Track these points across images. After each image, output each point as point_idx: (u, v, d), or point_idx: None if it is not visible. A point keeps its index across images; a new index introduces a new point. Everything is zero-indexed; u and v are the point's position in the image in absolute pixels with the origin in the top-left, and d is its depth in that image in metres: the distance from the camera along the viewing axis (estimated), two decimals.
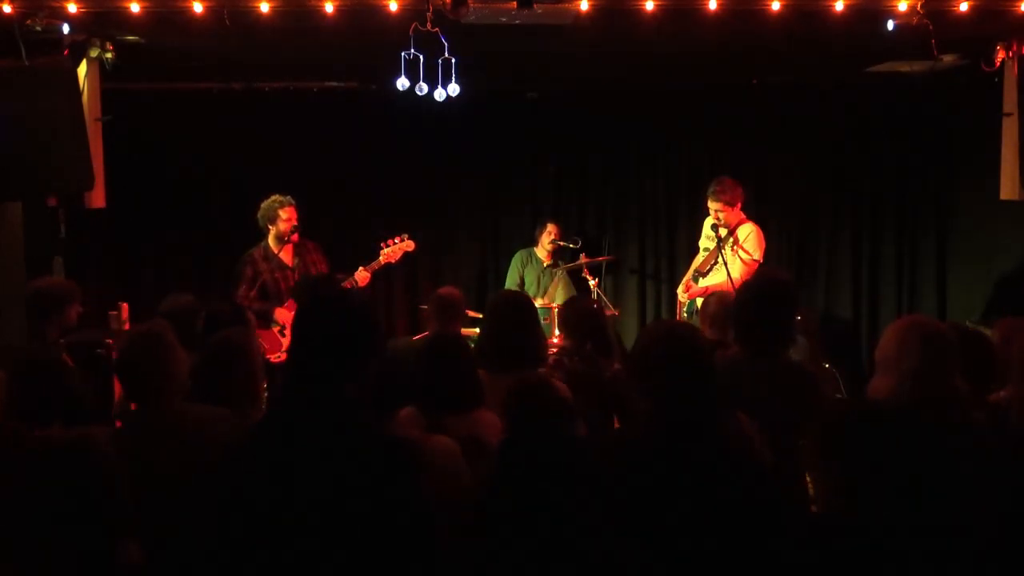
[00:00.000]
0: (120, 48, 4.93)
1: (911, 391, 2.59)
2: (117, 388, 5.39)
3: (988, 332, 3.77)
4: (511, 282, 6.83)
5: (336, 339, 1.99)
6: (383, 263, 5.94)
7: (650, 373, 2.32)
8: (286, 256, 5.80)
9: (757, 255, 5.41)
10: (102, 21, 4.55)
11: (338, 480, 1.90)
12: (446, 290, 4.41)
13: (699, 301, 5.63)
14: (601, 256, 6.72)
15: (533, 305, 3.48)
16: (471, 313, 6.67)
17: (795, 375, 3.06)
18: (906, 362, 2.66)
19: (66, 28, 4.45)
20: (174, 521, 2.35)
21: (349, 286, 5.81)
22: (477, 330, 6.46)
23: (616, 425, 3.64)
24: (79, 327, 6.26)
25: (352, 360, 2.01)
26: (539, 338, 3.36)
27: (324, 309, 2.07)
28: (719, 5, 4.30)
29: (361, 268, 5.85)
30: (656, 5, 4.31)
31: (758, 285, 3.24)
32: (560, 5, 4.29)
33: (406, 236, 6.02)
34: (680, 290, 5.80)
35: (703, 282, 5.67)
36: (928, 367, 2.62)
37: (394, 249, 5.95)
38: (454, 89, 4.51)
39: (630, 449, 2.32)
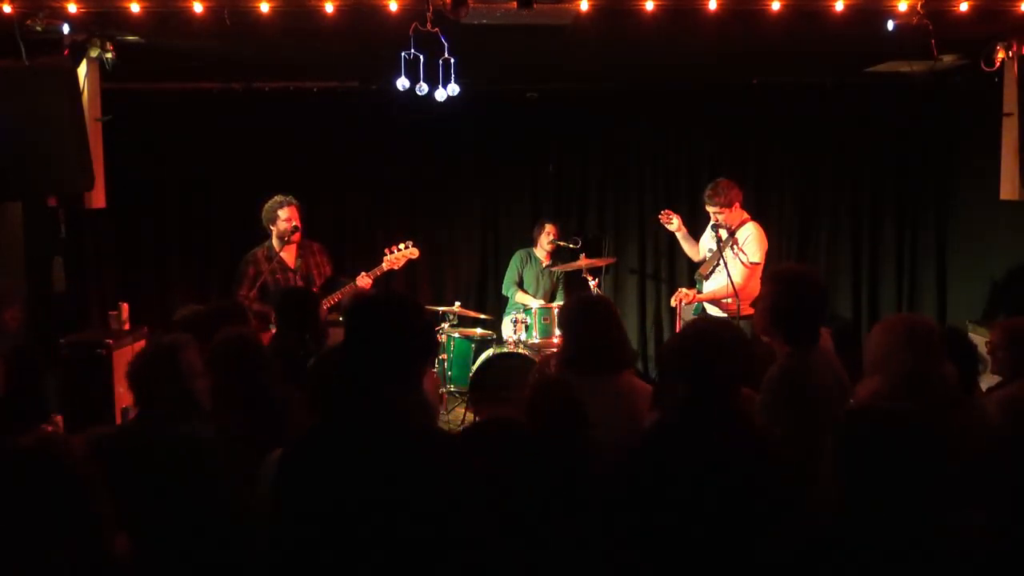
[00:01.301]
0: (120, 48, 4.93)
1: (893, 392, 2.61)
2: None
3: (988, 333, 3.78)
4: (509, 281, 6.84)
5: (395, 344, 2.02)
6: (386, 269, 5.90)
7: (690, 364, 2.38)
8: (288, 257, 5.79)
9: (756, 258, 5.38)
10: (102, 21, 4.55)
11: (396, 482, 1.93)
12: None
13: (707, 305, 5.62)
14: (601, 258, 6.71)
15: (615, 309, 3.40)
16: (471, 313, 6.70)
17: (839, 369, 3.09)
18: (892, 363, 2.69)
19: (66, 28, 4.45)
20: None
21: (350, 290, 5.81)
22: (479, 330, 6.54)
23: None
24: (83, 327, 6.28)
25: (408, 365, 2.04)
26: (625, 341, 3.32)
27: (382, 314, 2.08)
28: (719, 5, 4.30)
29: (363, 273, 5.83)
30: (656, 5, 4.30)
31: (795, 280, 3.19)
32: (560, 5, 4.28)
33: (411, 243, 5.95)
34: (673, 300, 5.74)
35: (706, 285, 5.64)
36: (912, 367, 2.65)
37: (397, 256, 5.91)
38: (454, 89, 4.50)
39: (666, 439, 2.35)
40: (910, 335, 2.76)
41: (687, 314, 5.82)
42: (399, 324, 2.04)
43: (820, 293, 3.16)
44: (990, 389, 3.71)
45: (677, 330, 6.11)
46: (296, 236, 5.72)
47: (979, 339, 5.49)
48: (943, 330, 3.22)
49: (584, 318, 3.20)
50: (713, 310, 5.53)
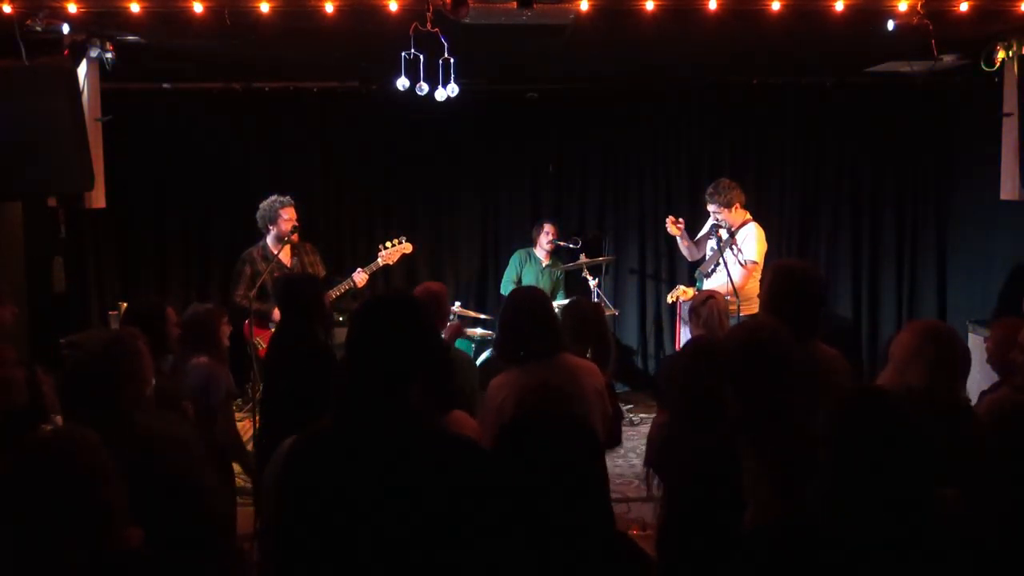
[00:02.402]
0: (120, 48, 4.93)
1: (914, 393, 2.62)
2: None
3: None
4: (508, 281, 6.84)
5: (404, 343, 2.01)
6: (381, 265, 5.94)
7: (747, 380, 2.38)
8: (284, 256, 5.80)
9: (753, 257, 5.39)
10: (102, 21, 4.55)
11: (413, 482, 1.93)
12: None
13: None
14: (601, 256, 6.72)
15: (546, 299, 3.43)
16: (471, 313, 6.70)
17: (837, 361, 3.09)
18: (915, 366, 2.69)
19: (66, 28, 4.45)
20: None
21: (348, 288, 5.82)
22: (478, 330, 6.54)
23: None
24: (83, 327, 6.28)
25: (417, 363, 2.03)
26: (556, 332, 3.31)
27: (387, 314, 2.07)
28: (719, 5, 4.30)
29: (359, 270, 5.85)
30: (656, 5, 4.30)
31: (789, 273, 3.22)
32: (560, 5, 4.28)
33: (404, 238, 6.02)
34: (671, 296, 5.75)
35: (706, 283, 5.66)
36: (935, 376, 2.66)
37: (392, 252, 5.95)
38: (454, 89, 4.50)
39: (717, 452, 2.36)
40: (935, 345, 2.77)
41: (686, 312, 5.82)
42: (404, 323, 2.04)
43: (819, 285, 3.19)
44: (983, 392, 3.71)
45: (677, 329, 6.13)
46: (296, 236, 5.72)
47: (979, 339, 5.52)
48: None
49: (504, 313, 3.25)
50: None
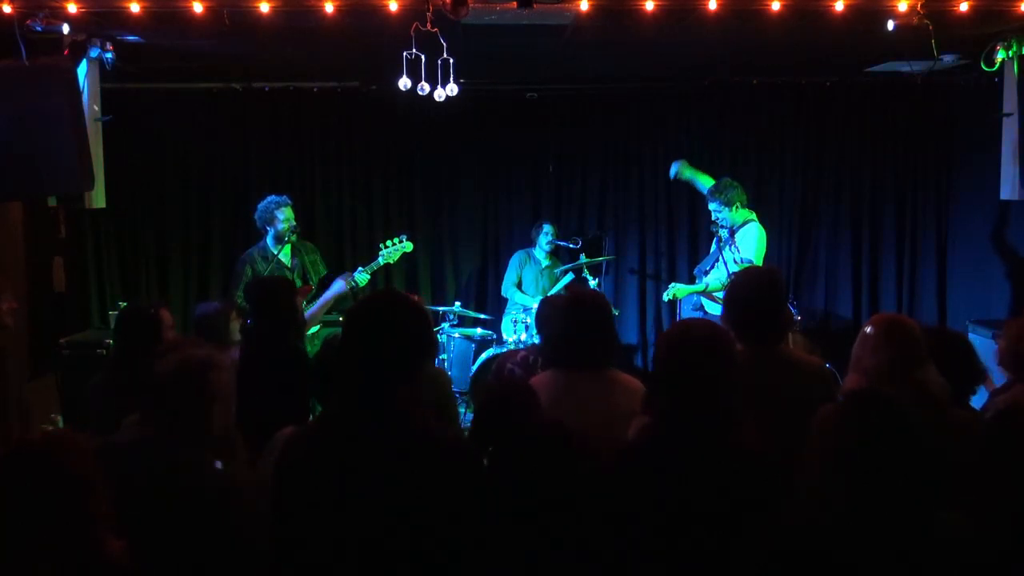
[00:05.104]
0: (120, 48, 4.93)
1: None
2: None
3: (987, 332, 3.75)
4: (509, 282, 6.83)
5: (396, 343, 2.01)
6: (381, 264, 5.94)
7: (666, 380, 2.29)
8: (285, 256, 5.79)
9: (748, 255, 5.36)
10: (102, 21, 4.55)
11: (403, 482, 1.93)
12: None
13: (705, 301, 5.64)
14: (601, 256, 6.71)
15: (609, 305, 3.32)
16: (471, 313, 6.69)
17: (802, 367, 3.05)
18: (869, 360, 2.70)
19: (66, 28, 4.45)
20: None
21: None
22: (479, 330, 6.54)
23: None
24: (83, 327, 6.28)
25: (409, 363, 2.03)
26: (612, 337, 3.23)
27: (382, 313, 2.07)
28: (719, 5, 4.30)
29: (360, 269, 5.85)
30: (656, 5, 4.30)
31: (746, 279, 3.23)
32: (560, 5, 4.29)
33: (404, 237, 6.01)
34: (666, 295, 5.76)
35: (706, 280, 5.67)
36: (889, 364, 2.68)
37: (392, 251, 5.95)
38: (453, 89, 4.50)
39: (639, 457, 2.31)
40: (887, 334, 2.77)
41: (686, 310, 5.83)
42: (397, 323, 2.03)
43: (762, 296, 3.06)
44: (994, 392, 3.69)
45: None
46: (295, 236, 5.71)
47: (978, 339, 5.52)
48: (939, 334, 3.21)
49: (571, 313, 3.11)
50: (714, 308, 5.54)
